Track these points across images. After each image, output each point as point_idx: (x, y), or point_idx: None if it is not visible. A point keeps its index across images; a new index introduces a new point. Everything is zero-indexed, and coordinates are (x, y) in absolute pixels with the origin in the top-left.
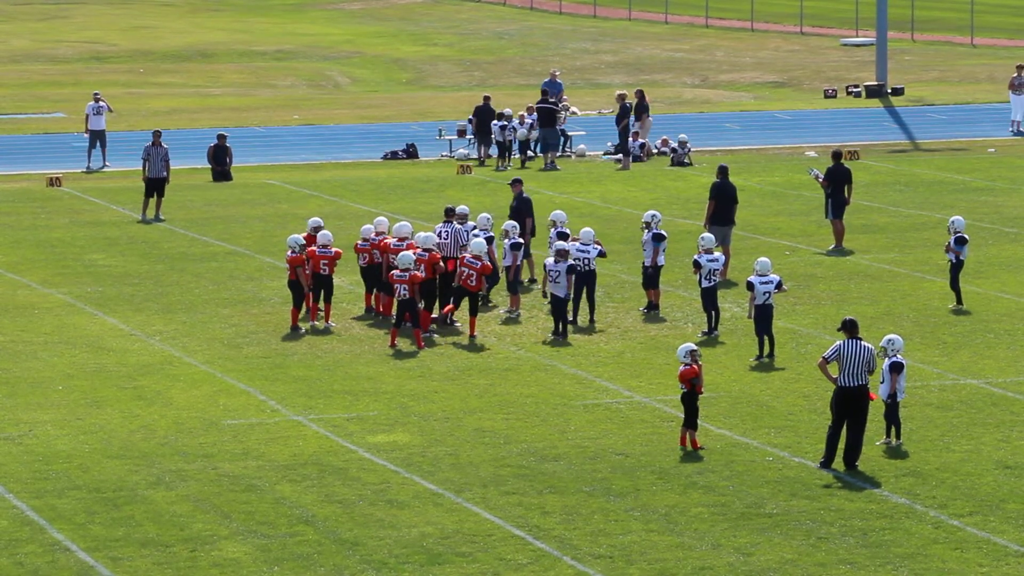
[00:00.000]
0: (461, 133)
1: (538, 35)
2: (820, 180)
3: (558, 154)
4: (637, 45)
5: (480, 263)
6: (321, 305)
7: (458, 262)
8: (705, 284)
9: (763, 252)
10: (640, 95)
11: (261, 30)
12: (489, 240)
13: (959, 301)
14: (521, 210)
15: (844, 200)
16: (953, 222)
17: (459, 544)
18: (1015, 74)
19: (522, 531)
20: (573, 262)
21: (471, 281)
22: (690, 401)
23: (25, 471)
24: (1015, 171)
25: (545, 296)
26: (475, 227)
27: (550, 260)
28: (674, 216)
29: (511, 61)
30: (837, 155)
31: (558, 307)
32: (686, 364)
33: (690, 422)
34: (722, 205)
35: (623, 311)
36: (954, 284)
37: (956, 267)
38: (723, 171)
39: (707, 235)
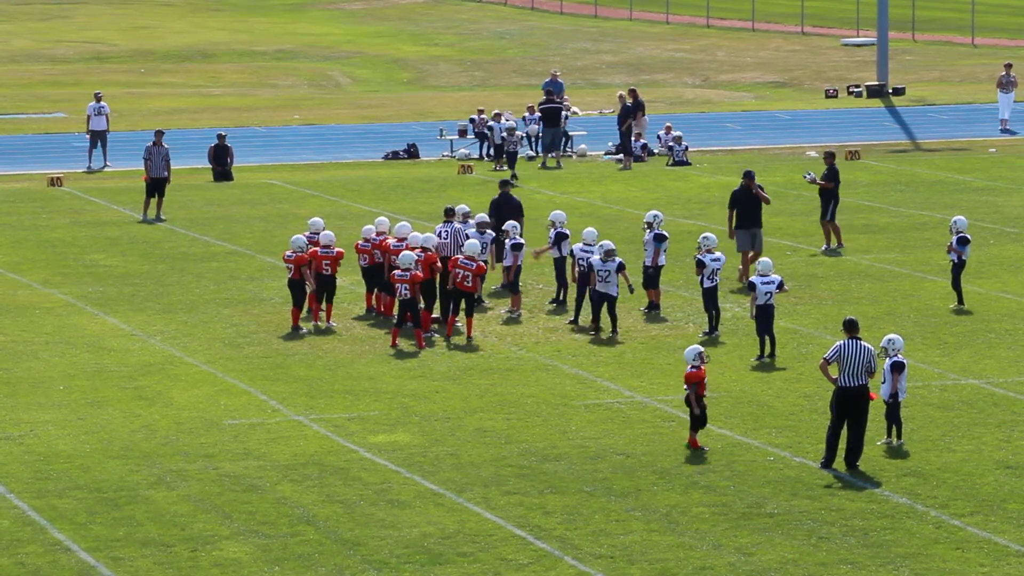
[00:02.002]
0: (462, 133)
1: (539, 35)
2: (817, 181)
3: (558, 154)
4: (638, 45)
5: (475, 264)
6: (323, 305)
7: (452, 264)
8: (707, 284)
9: (764, 252)
10: (633, 94)
11: (261, 30)
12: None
13: (960, 301)
14: (503, 210)
15: (838, 200)
16: (956, 222)
17: (460, 544)
18: (1002, 72)
19: (523, 531)
20: (620, 260)
21: (466, 282)
22: (690, 404)
23: (26, 471)
24: (1016, 171)
25: (581, 295)
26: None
27: (596, 259)
28: (675, 216)
29: (512, 61)
30: (833, 155)
31: (609, 305)
32: (694, 366)
33: (697, 422)
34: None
35: (624, 311)
36: (956, 284)
37: (958, 267)
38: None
39: (710, 235)
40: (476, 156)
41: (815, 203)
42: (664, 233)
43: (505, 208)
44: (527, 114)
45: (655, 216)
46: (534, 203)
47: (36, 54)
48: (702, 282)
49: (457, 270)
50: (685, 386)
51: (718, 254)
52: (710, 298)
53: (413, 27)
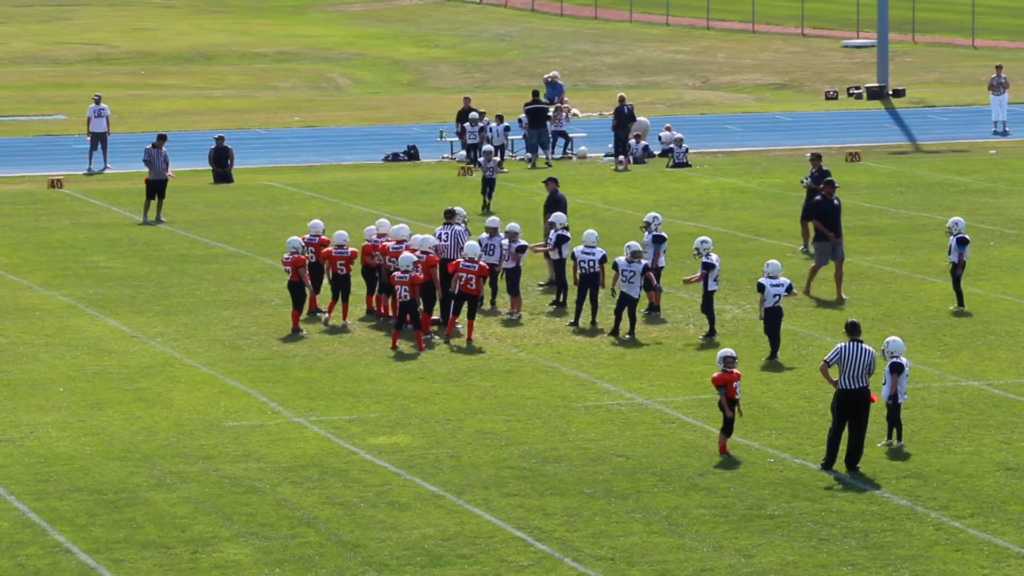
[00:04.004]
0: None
1: (539, 37)
2: (811, 185)
3: (556, 156)
4: (638, 47)
5: (477, 266)
6: (326, 302)
7: (454, 267)
8: (713, 287)
9: (765, 254)
10: (621, 100)
11: (262, 32)
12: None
13: (960, 303)
14: (552, 209)
15: None
16: (957, 223)
17: (460, 546)
18: (994, 74)
19: (523, 533)
20: (646, 261)
21: (470, 285)
22: (723, 407)
23: (26, 473)
24: (1016, 172)
25: (613, 294)
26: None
27: (622, 259)
28: (675, 218)
29: (512, 63)
30: (819, 156)
31: (630, 307)
32: (722, 370)
33: (726, 428)
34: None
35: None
36: (956, 285)
37: (958, 268)
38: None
39: (707, 238)
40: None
41: None
42: (663, 234)
43: (555, 206)
44: (522, 116)
45: (654, 217)
46: (533, 204)
47: (37, 56)
48: (707, 285)
49: (460, 273)
50: (717, 390)
51: (716, 257)
52: (711, 301)
53: (413, 29)
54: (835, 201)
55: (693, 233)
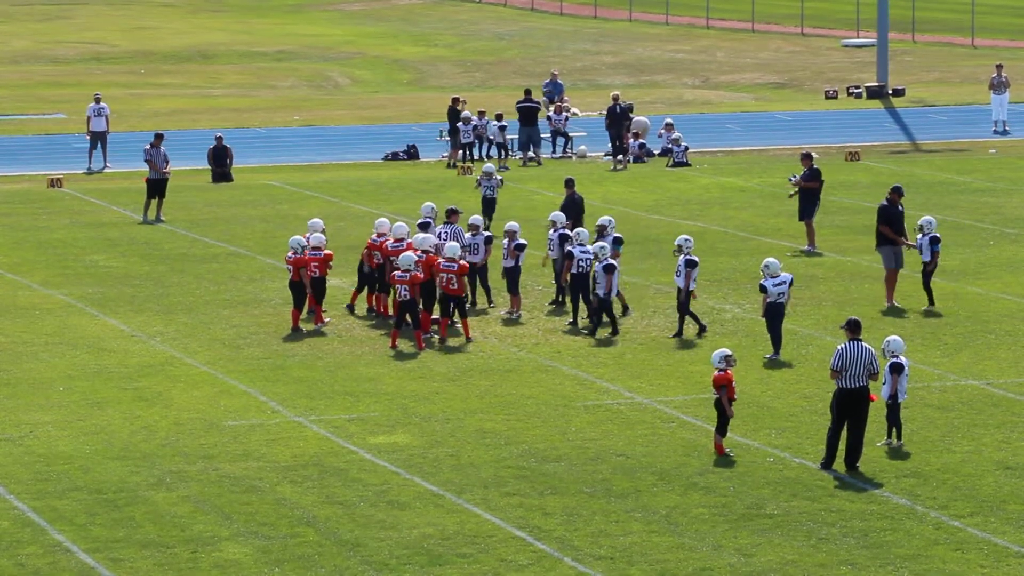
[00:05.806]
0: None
1: (539, 36)
2: (800, 183)
3: (556, 155)
4: (638, 46)
5: (456, 265)
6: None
7: (436, 268)
8: (692, 286)
9: (764, 253)
10: (615, 99)
11: (261, 31)
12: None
13: (931, 302)
14: (569, 210)
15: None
16: (930, 222)
17: (460, 545)
18: (994, 74)
19: (523, 532)
20: (613, 261)
21: (452, 285)
22: (722, 407)
23: (26, 472)
24: (1016, 172)
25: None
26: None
27: (599, 265)
28: (675, 217)
29: (512, 62)
30: (810, 156)
31: (607, 308)
32: (720, 369)
33: (721, 428)
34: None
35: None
36: (926, 285)
37: (930, 267)
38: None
39: (689, 237)
40: (475, 157)
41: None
42: (620, 236)
43: (572, 208)
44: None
45: (609, 221)
46: (533, 204)
47: (36, 55)
48: (689, 285)
49: (441, 275)
50: (713, 390)
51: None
52: (689, 300)
53: (413, 28)
54: (899, 207)
55: (693, 232)
